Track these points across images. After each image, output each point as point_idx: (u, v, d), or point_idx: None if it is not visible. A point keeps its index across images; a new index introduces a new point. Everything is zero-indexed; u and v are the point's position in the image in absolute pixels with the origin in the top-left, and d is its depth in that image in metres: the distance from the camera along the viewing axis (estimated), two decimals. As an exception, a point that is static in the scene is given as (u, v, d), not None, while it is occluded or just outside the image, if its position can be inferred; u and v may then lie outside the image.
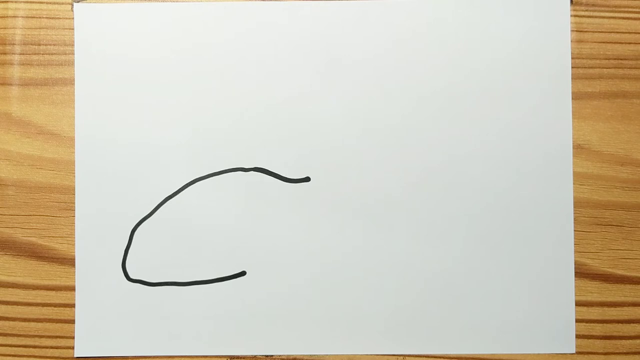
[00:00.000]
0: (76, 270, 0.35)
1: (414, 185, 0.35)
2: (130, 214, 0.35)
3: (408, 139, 0.35)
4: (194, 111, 0.35)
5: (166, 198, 0.35)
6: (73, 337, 0.35)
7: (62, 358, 0.35)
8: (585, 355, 0.35)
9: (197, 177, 0.35)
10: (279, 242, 0.35)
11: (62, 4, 0.36)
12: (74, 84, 0.36)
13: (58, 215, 0.36)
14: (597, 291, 0.35)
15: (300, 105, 0.35)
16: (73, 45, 0.36)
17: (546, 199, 0.35)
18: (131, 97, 0.35)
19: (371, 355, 0.35)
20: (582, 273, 0.35)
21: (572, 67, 0.35)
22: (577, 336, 0.35)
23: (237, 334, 0.35)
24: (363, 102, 0.35)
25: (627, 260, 0.35)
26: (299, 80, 0.35)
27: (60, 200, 0.35)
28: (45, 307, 0.36)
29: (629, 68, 0.35)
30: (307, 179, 0.35)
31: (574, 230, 0.35)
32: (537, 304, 0.35)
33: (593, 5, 0.36)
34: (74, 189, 0.35)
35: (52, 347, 0.36)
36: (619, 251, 0.35)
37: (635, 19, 0.36)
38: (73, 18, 0.36)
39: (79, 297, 0.35)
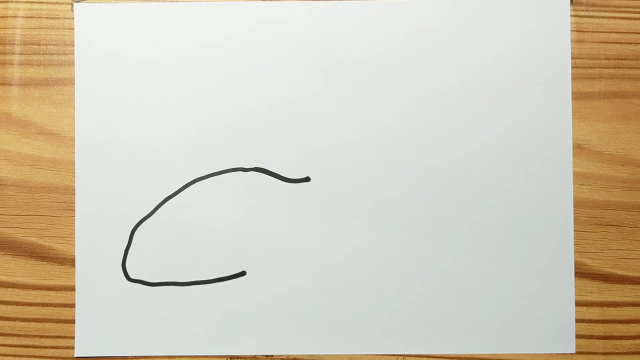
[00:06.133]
0: (76, 270, 0.35)
1: (414, 185, 0.35)
2: (130, 214, 0.35)
3: (408, 139, 0.35)
4: (194, 111, 0.35)
5: (166, 198, 0.35)
6: (73, 337, 0.35)
7: (62, 358, 0.35)
8: (585, 355, 0.35)
9: (197, 177, 0.35)
10: (279, 242, 0.35)
11: (62, 4, 0.36)
12: (74, 84, 0.36)
13: (58, 215, 0.36)
14: (597, 291, 0.35)
15: (301, 105, 0.35)
16: (73, 45, 0.36)
17: (546, 199, 0.35)
18: (131, 97, 0.35)
19: (371, 355, 0.35)
20: (582, 273, 0.35)
21: (572, 67, 0.35)
22: (577, 336, 0.35)
23: (237, 334, 0.35)
24: (363, 102, 0.35)
25: (627, 260, 0.35)
26: (299, 80, 0.35)
27: (60, 200, 0.35)
28: (45, 307, 0.36)
29: (629, 68, 0.35)
30: (307, 179, 0.35)
31: (574, 230, 0.35)
32: (537, 304, 0.35)
33: (593, 5, 0.36)
34: (74, 189, 0.35)
35: (52, 347, 0.36)
36: (619, 251, 0.35)
37: (635, 19, 0.36)
38: (73, 18, 0.36)
39: (79, 297, 0.35)
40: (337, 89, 0.35)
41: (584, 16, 0.36)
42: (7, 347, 0.36)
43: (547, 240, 0.35)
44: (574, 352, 0.35)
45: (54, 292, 0.36)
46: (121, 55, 0.35)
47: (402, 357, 0.35)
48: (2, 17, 0.36)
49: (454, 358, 0.35)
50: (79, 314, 0.35)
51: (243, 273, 0.35)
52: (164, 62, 0.35)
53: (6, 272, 0.36)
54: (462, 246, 0.35)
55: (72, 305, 0.35)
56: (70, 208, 0.35)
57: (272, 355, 0.35)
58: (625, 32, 0.36)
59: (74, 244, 0.35)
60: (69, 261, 0.35)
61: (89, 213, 0.35)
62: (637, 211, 0.35)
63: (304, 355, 0.35)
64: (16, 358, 0.36)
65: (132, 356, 0.35)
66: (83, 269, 0.35)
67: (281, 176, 0.35)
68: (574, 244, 0.35)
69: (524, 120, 0.35)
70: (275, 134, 0.35)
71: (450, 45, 0.35)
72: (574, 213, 0.35)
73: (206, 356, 0.35)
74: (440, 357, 0.35)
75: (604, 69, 0.35)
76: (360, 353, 0.35)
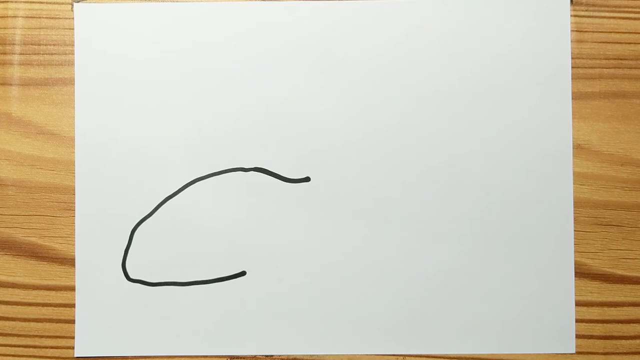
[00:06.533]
0: (76, 270, 0.35)
1: (414, 185, 0.35)
2: (130, 214, 0.35)
3: (408, 139, 0.35)
4: (194, 111, 0.35)
5: (166, 198, 0.35)
6: (73, 337, 0.35)
7: (62, 358, 0.35)
8: (585, 355, 0.35)
9: (197, 177, 0.35)
10: (279, 242, 0.35)
11: (62, 4, 0.36)
12: (74, 84, 0.36)
13: (58, 215, 0.36)
14: (597, 291, 0.35)
15: (301, 105, 0.35)
16: (73, 45, 0.36)
17: (546, 199, 0.35)
18: (131, 97, 0.35)
19: (371, 355, 0.35)
20: (582, 273, 0.35)
21: (572, 67, 0.35)
22: (577, 336, 0.35)
23: (237, 334, 0.35)
24: (363, 102, 0.35)
25: (627, 260, 0.35)
26: (299, 80, 0.35)
27: (60, 200, 0.36)
28: (45, 307, 0.36)
29: (629, 68, 0.35)
30: (307, 179, 0.35)
31: (574, 230, 0.35)
32: (537, 304, 0.35)
33: (593, 5, 0.36)
34: (74, 189, 0.35)
35: (52, 347, 0.36)
36: (619, 251, 0.35)
37: (635, 19, 0.36)
38: (73, 18, 0.36)
39: (79, 297, 0.35)
40: (337, 89, 0.35)
41: (584, 16, 0.36)
42: (7, 347, 0.36)
43: (547, 240, 0.35)
44: (574, 352, 0.35)
45: (54, 292, 0.36)
46: (121, 55, 0.35)
47: (402, 357, 0.35)
48: (2, 17, 0.36)
49: (454, 358, 0.35)
50: (79, 314, 0.35)
51: (243, 273, 0.35)
52: (164, 62, 0.35)
53: (6, 272, 0.36)
54: (462, 246, 0.35)
55: (72, 305, 0.35)
56: (70, 208, 0.35)
57: (272, 355, 0.35)
58: (625, 32, 0.36)
59: (74, 244, 0.35)
60: (69, 261, 0.35)
61: (89, 213, 0.35)
62: (637, 211, 0.35)
63: (304, 355, 0.35)
64: (16, 358, 0.36)
65: (132, 356, 0.35)
66: (83, 269, 0.35)
67: (281, 176, 0.35)
68: (574, 244, 0.35)
69: (524, 120, 0.35)
70: (275, 134, 0.35)
71: (450, 45, 0.35)
72: (574, 213, 0.35)
73: (206, 356, 0.35)
74: (440, 357, 0.35)
75: (604, 69, 0.35)
76: (360, 353, 0.35)
